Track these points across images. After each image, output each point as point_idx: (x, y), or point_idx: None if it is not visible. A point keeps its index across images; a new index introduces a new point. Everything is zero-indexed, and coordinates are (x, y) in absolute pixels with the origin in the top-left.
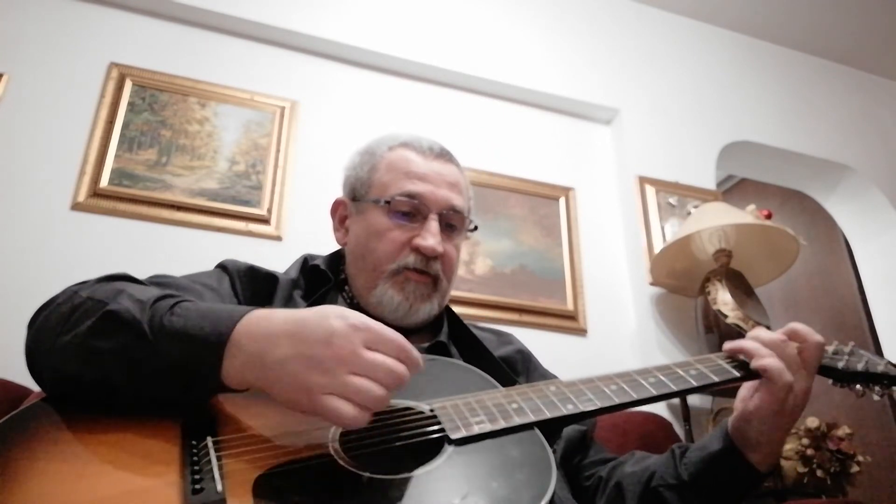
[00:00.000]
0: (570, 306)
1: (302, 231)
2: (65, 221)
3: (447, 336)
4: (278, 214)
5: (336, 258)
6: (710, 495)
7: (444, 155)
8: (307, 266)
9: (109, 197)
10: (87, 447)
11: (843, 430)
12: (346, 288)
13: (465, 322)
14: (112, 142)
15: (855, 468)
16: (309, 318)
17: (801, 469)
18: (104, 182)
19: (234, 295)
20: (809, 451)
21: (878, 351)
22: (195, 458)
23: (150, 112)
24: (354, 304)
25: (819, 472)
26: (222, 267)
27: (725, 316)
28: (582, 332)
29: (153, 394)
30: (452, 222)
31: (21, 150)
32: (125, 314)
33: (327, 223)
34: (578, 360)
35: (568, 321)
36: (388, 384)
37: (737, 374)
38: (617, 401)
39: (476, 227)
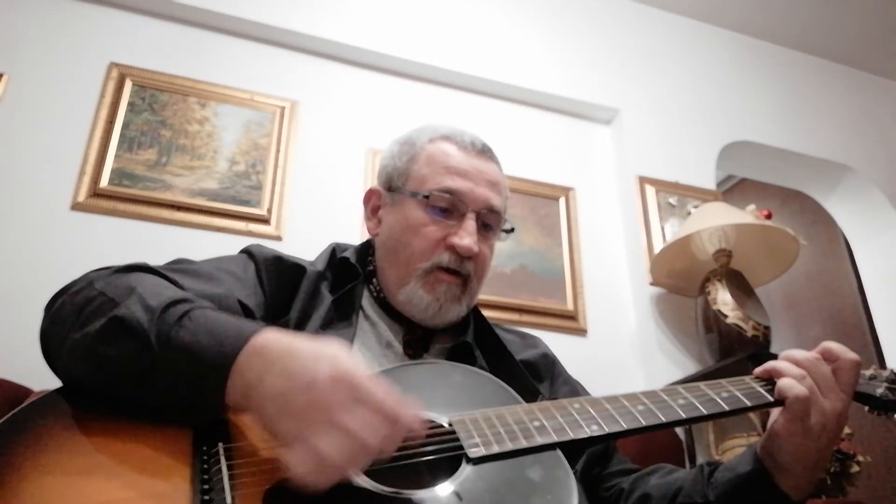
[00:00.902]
0: (570, 306)
1: (302, 231)
2: (65, 221)
3: (472, 337)
4: (278, 214)
5: (365, 249)
6: None
7: (485, 152)
8: (335, 258)
9: (109, 197)
10: (95, 449)
11: (843, 430)
12: (374, 281)
13: (491, 323)
14: (112, 142)
15: (855, 468)
16: (302, 357)
17: None
18: (104, 182)
19: (259, 283)
20: None
21: (879, 351)
22: (205, 466)
23: (150, 112)
24: (381, 299)
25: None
26: (248, 253)
27: (725, 316)
28: (582, 332)
29: (158, 406)
30: (489, 222)
31: (21, 150)
32: (132, 321)
33: (327, 223)
34: (578, 360)
35: (568, 321)
36: (349, 457)
37: (770, 398)
38: (644, 423)
39: (513, 229)
